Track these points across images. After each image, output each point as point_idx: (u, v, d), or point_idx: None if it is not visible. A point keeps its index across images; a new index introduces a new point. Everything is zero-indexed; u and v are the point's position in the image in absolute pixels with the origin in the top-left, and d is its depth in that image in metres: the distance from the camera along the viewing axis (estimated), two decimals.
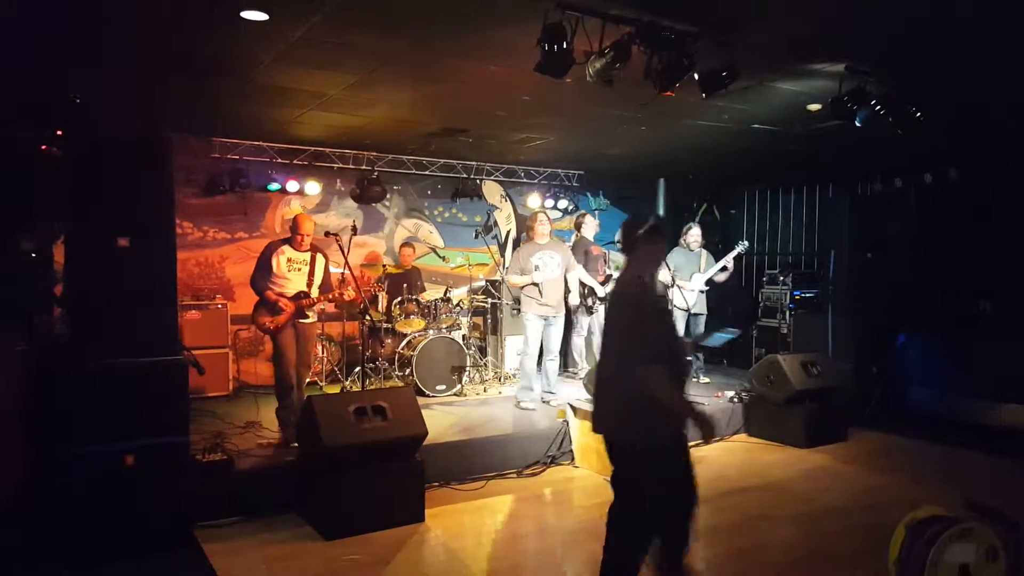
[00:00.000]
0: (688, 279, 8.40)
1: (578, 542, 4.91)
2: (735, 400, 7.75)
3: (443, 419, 6.83)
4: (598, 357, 8.02)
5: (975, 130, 7.58)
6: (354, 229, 7.45)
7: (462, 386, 8.02)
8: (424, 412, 5.33)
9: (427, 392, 7.73)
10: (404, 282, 8.48)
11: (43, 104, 6.00)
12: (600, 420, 3.58)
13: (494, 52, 5.25)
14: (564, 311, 7.45)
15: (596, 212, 10.67)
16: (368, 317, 7.11)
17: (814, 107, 6.67)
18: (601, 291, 8.18)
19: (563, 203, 10.84)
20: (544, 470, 6.30)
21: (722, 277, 8.53)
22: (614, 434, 3.50)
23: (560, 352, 7.65)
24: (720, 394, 7.91)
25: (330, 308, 7.93)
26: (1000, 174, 8.32)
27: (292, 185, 8.83)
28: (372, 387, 7.51)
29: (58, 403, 4.34)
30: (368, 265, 9.43)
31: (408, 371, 7.82)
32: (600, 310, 8.37)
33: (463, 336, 8.42)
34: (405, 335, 8.11)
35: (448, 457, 5.90)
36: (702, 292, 8.57)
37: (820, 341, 8.57)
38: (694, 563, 3.47)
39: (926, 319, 8.50)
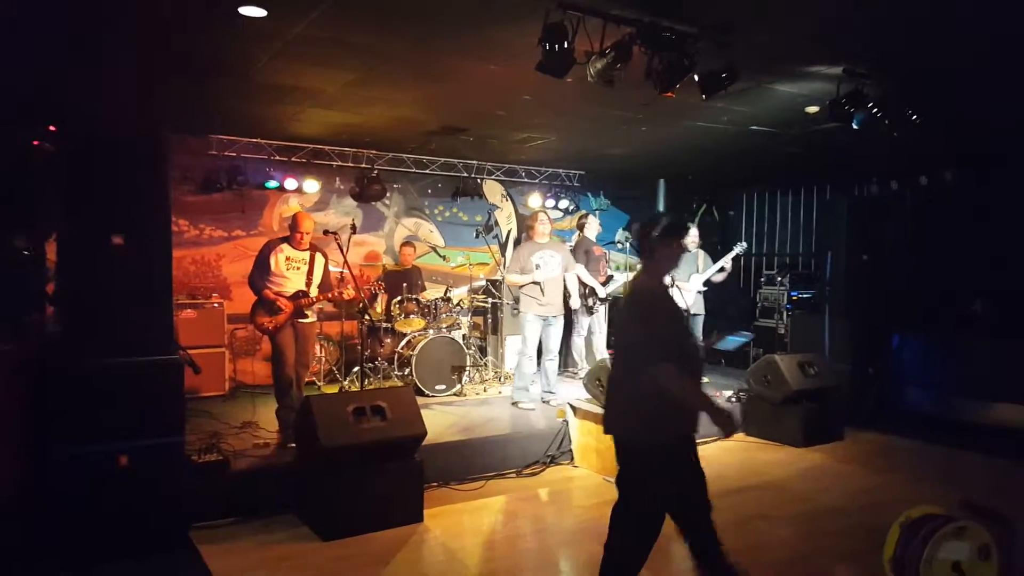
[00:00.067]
0: (686, 280, 8.36)
1: (578, 542, 4.87)
2: (733, 400, 7.74)
3: (442, 419, 6.78)
4: (598, 356, 8.07)
5: (970, 132, 7.59)
6: (353, 228, 7.40)
7: (462, 386, 7.97)
8: (423, 412, 5.29)
9: (426, 392, 7.68)
10: (404, 281, 8.43)
11: (38, 101, 5.94)
12: (610, 421, 3.55)
13: (495, 51, 5.21)
14: (563, 311, 7.40)
15: (597, 212, 10.62)
16: (367, 316, 7.06)
17: (812, 109, 6.66)
18: (602, 291, 8.15)
19: (564, 203, 10.79)
20: (544, 470, 6.26)
21: (720, 278, 8.50)
22: (622, 433, 3.46)
23: (560, 352, 7.61)
24: (719, 394, 7.88)
25: (329, 307, 7.88)
26: (995, 176, 8.34)
27: (290, 183, 8.77)
28: (371, 387, 7.45)
29: (51, 403, 4.28)
30: (367, 264, 9.37)
31: (407, 371, 7.77)
32: (601, 310, 8.34)
33: (463, 336, 8.38)
34: (404, 335, 8.06)
35: (447, 457, 5.86)
36: (700, 293, 8.53)
37: (817, 341, 8.56)
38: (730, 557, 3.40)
39: (922, 320, 8.51)
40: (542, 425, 6.62)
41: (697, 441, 3.51)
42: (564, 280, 7.39)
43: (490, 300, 9.00)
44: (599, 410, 6.10)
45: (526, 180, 10.57)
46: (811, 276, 9.94)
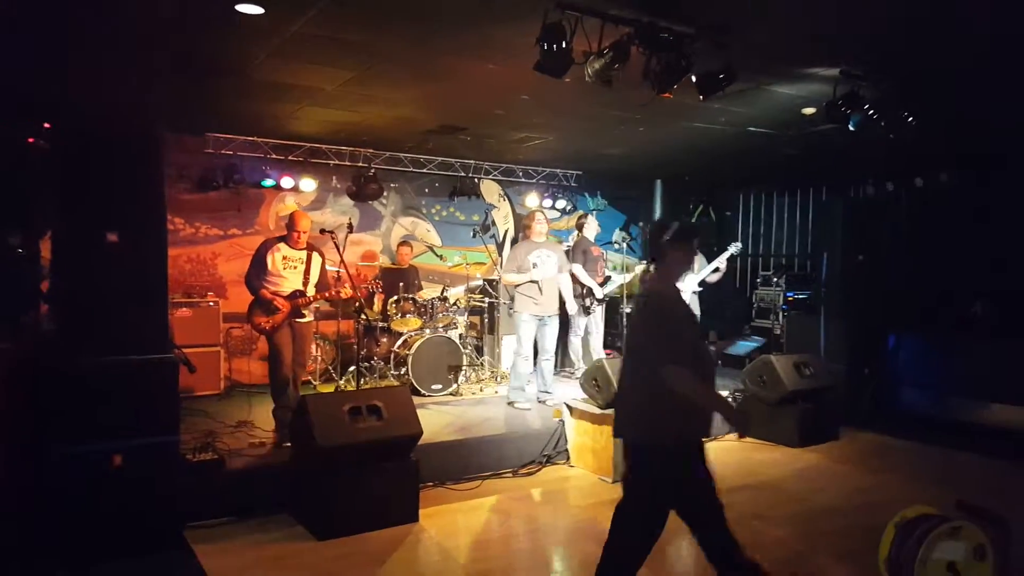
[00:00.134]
0: (681, 280, 8.36)
1: (573, 542, 4.87)
2: (729, 400, 7.73)
3: (438, 419, 6.76)
4: (594, 356, 8.06)
5: (966, 134, 7.60)
6: (350, 227, 7.38)
7: (458, 386, 7.95)
8: (419, 412, 5.28)
9: (423, 391, 7.66)
10: (400, 280, 8.40)
11: (34, 98, 5.91)
12: (621, 424, 3.52)
13: (493, 50, 5.20)
14: (559, 311, 7.38)
15: (594, 212, 10.61)
16: (363, 316, 7.04)
17: (809, 111, 6.67)
18: (599, 292, 8.14)
19: (561, 203, 10.77)
20: (540, 470, 6.25)
21: (715, 278, 8.49)
22: (632, 436, 3.44)
23: (556, 352, 7.60)
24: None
25: (325, 306, 7.86)
26: (992, 176, 8.34)
27: (287, 181, 8.74)
28: (367, 386, 7.43)
29: (46, 401, 4.25)
30: (364, 263, 9.35)
31: (404, 370, 7.76)
32: (598, 311, 8.33)
33: (459, 335, 8.36)
34: (401, 334, 8.04)
35: (443, 457, 5.85)
36: (695, 293, 8.52)
37: (813, 342, 8.57)
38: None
39: (918, 320, 8.51)
40: (538, 425, 6.61)
41: (729, 436, 3.50)
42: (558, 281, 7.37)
43: (487, 300, 8.99)
44: (595, 410, 6.11)
45: (523, 180, 10.56)
46: (807, 277, 9.94)
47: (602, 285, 8.22)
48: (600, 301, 8.23)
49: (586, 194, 11.30)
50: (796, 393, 7.19)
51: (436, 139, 8.52)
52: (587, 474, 6.17)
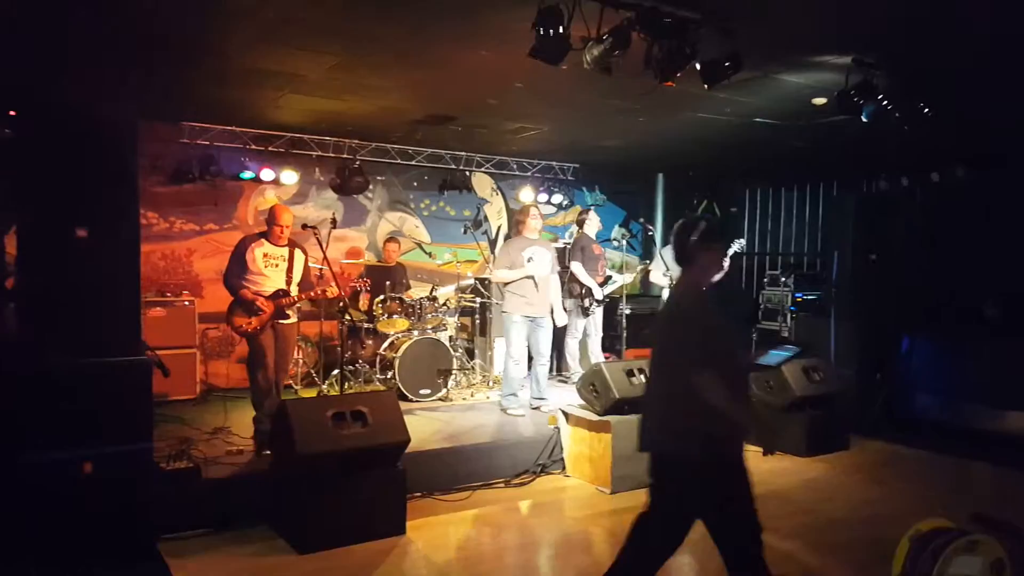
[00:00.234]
0: None
1: (569, 556, 4.88)
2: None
3: (427, 425, 6.77)
4: (592, 360, 8.07)
5: (984, 126, 7.60)
6: (334, 222, 7.38)
7: (448, 390, 7.96)
8: (407, 418, 5.27)
9: (410, 397, 7.66)
10: (387, 279, 8.40)
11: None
12: (647, 437, 3.50)
13: (486, 36, 5.20)
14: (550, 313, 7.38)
15: (592, 208, 10.61)
16: (348, 316, 7.03)
17: (819, 101, 6.68)
18: (599, 292, 8.13)
19: (557, 197, 10.76)
20: (533, 480, 6.25)
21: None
22: (660, 448, 3.43)
23: (552, 355, 7.59)
24: None
25: (307, 306, 7.84)
26: (1011, 172, 8.33)
27: (267, 174, 8.72)
28: (351, 391, 7.42)
29: (9, 406, 4.23)
30: (349, 261, 9.34)
31: (390, 374, 7.76)
32: (597, 312, 8.33)
33: (449, 337, 8.36)
34: (387, 336, 8.04)
35: (432, 466, 5.85)
36: None
37: (822, 345, 8.58)
38: None
39: (932, 323, 8.52)
40: (532, 432, 6.61)
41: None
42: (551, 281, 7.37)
43: (478, 300, 8.99)
44: (593, 417, 6.12)
45: (517, 173, 10.57)
46: (816, 276, 9.96)
47: (602, 285, 8.21)
48: (600, 302, 8.23)
49: (584, 188, 11.32)
50: (804, 399, 7.21)
51: (425, 130, 8.52)
52: (584, 484, 6.17)
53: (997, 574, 3.60)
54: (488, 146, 9.72)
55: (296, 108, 7.51)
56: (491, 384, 8.65)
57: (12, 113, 4.85)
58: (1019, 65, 5.40)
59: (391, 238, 9.24)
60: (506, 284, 7.22)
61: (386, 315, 8.04)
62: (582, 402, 6.42)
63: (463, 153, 9.98)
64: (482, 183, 10.54)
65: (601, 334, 8.54)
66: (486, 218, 10.56)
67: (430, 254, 9.29)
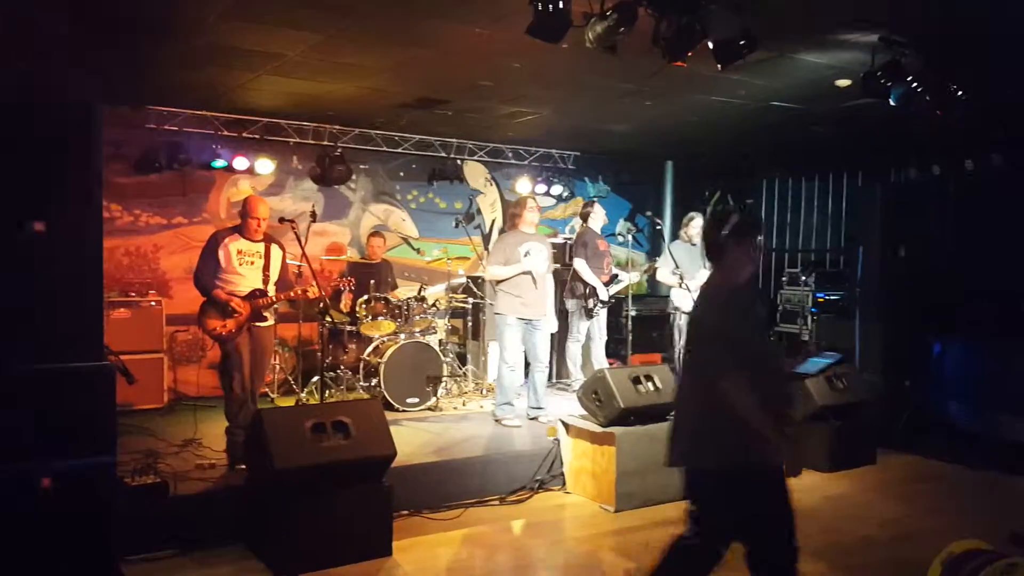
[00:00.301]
0: (692, 278, 8.35)
1: None
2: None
3: (415, 437, 6.79)
4: (595, 366, 8.08)
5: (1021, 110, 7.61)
6: (313, 215, 7.38)
7: (437, 399, 7.97)
8: (393, 429, 5.28)
9: (397, 406, 7.67)
10: (371, 277, 8.41)
11: None
12: (678, 450, 3.51)
13: (479, 11, 5.21)
14: (548, 315, 7.39)
15: (595, 200, 10.63)
16: (328, 318, 7.03)
17: (843, 83, 6.69)
18: (604, 292, 8.13)
19: (557, 188, 10.80)
20: (531, 496, 6.26)
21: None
22: (693, 461, 3.43)
23: (552, 359, 7.61)
24: None
25: (285, 307, 7.85)
26: None
27: (240, 162, 8.74)
28: (332, 399, 7.44)
29: None
30: (329, 257, 9.34)
31: (375, 381, 7.77)
32: (602, 314, 8.34)
33: (439, 341, 8.38)
34: (372, 339, 8.05)
35: (420, 481, 5.86)
36: None
37: (846, 350, 8.57)
38: None
39: (967, 325, 8.52)
40: (529, 445, 6.63)
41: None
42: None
43: (471, 300, 9.01)
44: (596, 428, 6.13)
45: (513, 162, 10.58)
46: (840, 275, 9.98)
47: (608, 284, 8.21)
48: (605, 303, 8.24)
49: (585, 178, 11.34)
50: (827, 409, 7.21)
51: (413, 114, 8.53)
52: (586, 502, 6.19)
53: None
54: (482, 132, 9.74)
55: (272, 91, 7.52)
56: (484, 392, 8.67)
57: None
58: None
59: (376, 233, 9.24)
60: (500, 282, 7.22)
61: (370, 317, 8.04)
62: (584, 412, 6.43)
63: (454, 140, 10.00)
64: (475, 173, 10.56)
65: (605, 338, 8.56)
66: (479, 211, 10.58)
67: (418, 250, 9.30)
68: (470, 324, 9.22)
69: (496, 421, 7.30)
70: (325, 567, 4.76)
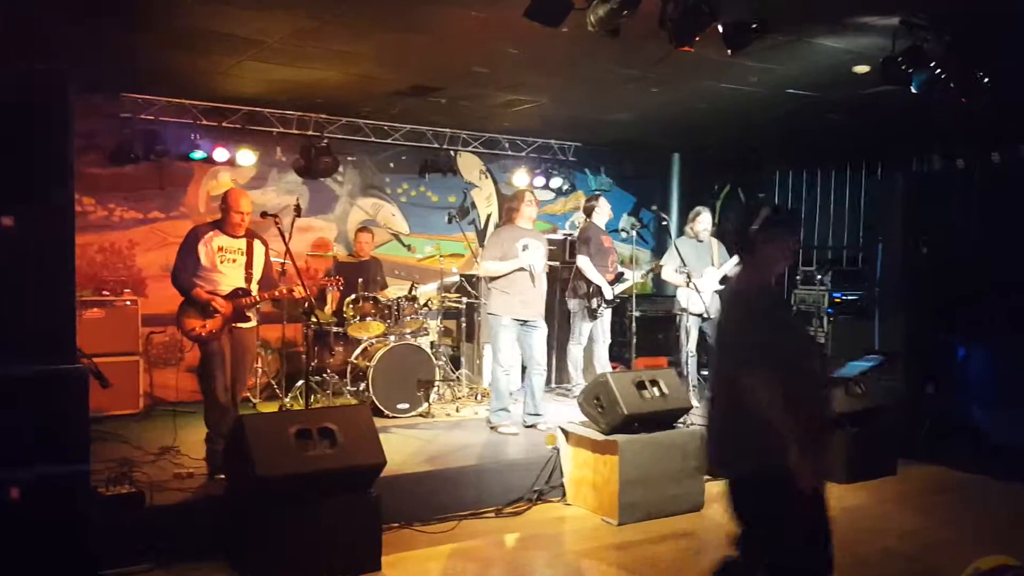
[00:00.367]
0: (700, 276, 8.37)
1: None
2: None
3: (405, 445, 6.80)
4: (598, 370, 8.09)
5: None
6: (297, 209, 7.39)
7: (429, 405, 7.99)
8: (382, 437, 5.30)
9: (386, 412, 7.68)
10: (359, 275, 8.42)
11: None
12: (719, 458, 3.52)
13: None
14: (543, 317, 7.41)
15: (599, 193, 10.66)
16: (314, 318, 7.05)
17: (861, 69, 6.70)
18: (609, 292, 8.14)
19: (556, 181, 10.80)
20: (528, 508, 6.27)
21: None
22: (736, 470, 3.43)
23: (551, 363, 7.62)
24: None
25: (268, 307, 7.87)
26: None
27: (220, 153, 8.74)
28: (318, 405, 7.45)
29: None
30: (315, 254, 9.35)
31: (363, 386, 7.78)
32: (606, 315, 8.35)
33: (431, 343, 8.39)
34: (360, 341, 8.06)
35: (411, 492, 5.87)
36: (716, 292, 8.54)
37: (865, 353, 8.57)
38: None
39: (993, 326, 8.52)
40: (527, 454, 6.65)
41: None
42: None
43: (465, 300, 9.02)
44: (598, 436, 6.14)
45: (510, 153, 10.60)
46: (858, 273, 9.99)
47: (613, 283, 8.22)
48: (610, 303, 8.24)
49: (587, 171, 11.35)
50: (843, 416, 7.20)
51: (404, 102, 8.54)
52: (587, 514, 6.20)
53: None
54: (477, 122, 9.75)
55: (254, 77, 7.53)
56: (479, 398, 8.69)
57: None
58: None
59: (364, 228, 9.25)
60: (494, 280, 7.24)
61: (358, 317, 8.05)
62: (585, 419, 6.44)
63: (447, 130, 10.01)
64: (469, 165, 10.57)
65: (609, 340, 8.56)
66: (473, 205, 10.59)
67: (409, 247, 9.32)
68: (464, 325, 9.24)
69: (491, 428, 7.31)
70: None
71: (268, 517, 4.77)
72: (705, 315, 8.31)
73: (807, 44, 6.15)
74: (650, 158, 11.44)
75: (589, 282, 8.13)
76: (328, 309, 8.40)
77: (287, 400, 7.90)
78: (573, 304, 8.40)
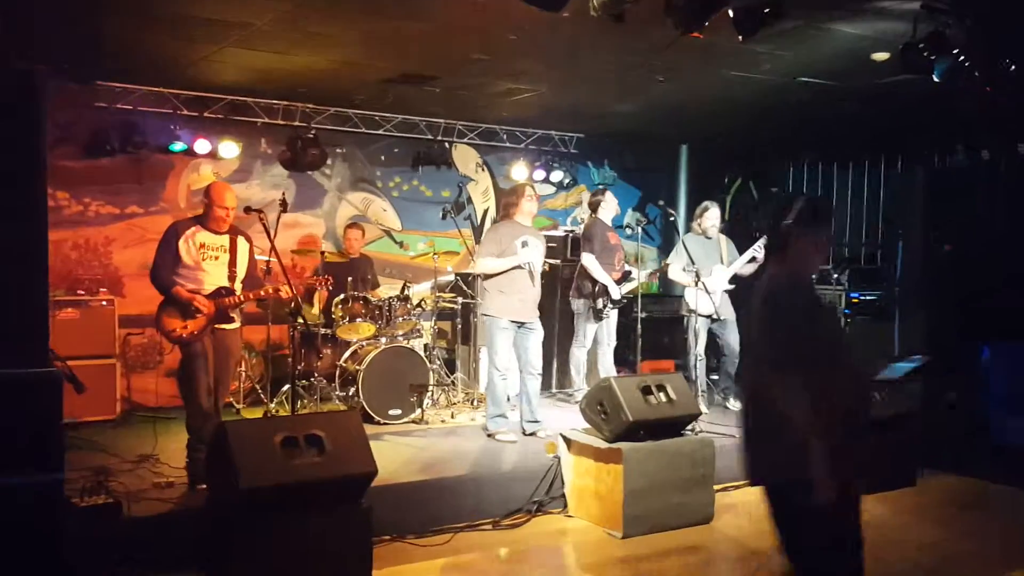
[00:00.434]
0: (708, 274, 8.37)
1: None
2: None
3: (397, 453, 6.82)
4: (602, 374, 8.09)
5: None
6: (283, 204, 7.39)
7: (423, 411, 7.99)
8: (373, 444, 5.26)
9: (377, 418, 7.70)
10: (348, 274, 8.43)
11: None
12: (754, 465, 3.53)
13: None
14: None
15: (604, 187, 10.68)
16: (300, 319, 7.06)
17: (880, 56, 6.71)
18: (616, 291, 8.14)
19: (557, 175, 10.81)
20: (528, 520, 6.27)
21: (750, 270, 8.54)
22: (773, 477, 3.43)
23: (551, 367, 7.62)
24: None
25: (252, 307, 7.88)
26: None
27: (202, 145, 8.75)
28: (305, 411, 7.47)
29: None
30: (301, 251, 9.35)
31: (353, 391, 7.79)
32: (612, 316, 8.35)
33: (425, 346, 8.40)
34: (349, 344, 8.07)
35: (404, 503, 5.89)
36: (726, 292, 8.56)
37: (884, 356, 8.58)
38: None
39: (1020, 328, 8.53)
40: (526, 462, 6.66)
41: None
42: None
43: (460, 300, 9.03)
44: (601, 444, 6.15)
45: (508, 145, 10.60)
46: (877, 272, 9.99)
47: (619, 283, 8.22)
48: (616, 303, 8.25)
49: (589, 163, 11.37)
50: (876, 422, 7.24)
51: (396, 91, 8.55)
52: (590, 526, 6.20)
53: None
54: (473, 112, 9.76)
55: (238, 65, 7.54)
56: (475, 403, 8.69)
57: None
58: None
59: (354, 224, 9.26)
60: (490, 278, 7.25)
61: (347, 318, 8.06)
62: (587, 425, 6.45)
63: (442, 121, 10.02)
64: (465, 157, 10.58)
65: (615, 343, 8.56)
66: (469, 200, 10.61)
67: (401, 244, 9.33)
68: (459, 327, 9.24)
69: (488, 435, 7.32)
70: None
71: (252, 529, 4.77)
72: (715, 316, 8.32)
73: (822, 30, 6.15)
74: (656, 150, 11.45)
75: (595, 281, 8.13)
76: (316, 310, 8.41)
77: (272, 406, 7.90)
78: (577, 304, 8.40)
